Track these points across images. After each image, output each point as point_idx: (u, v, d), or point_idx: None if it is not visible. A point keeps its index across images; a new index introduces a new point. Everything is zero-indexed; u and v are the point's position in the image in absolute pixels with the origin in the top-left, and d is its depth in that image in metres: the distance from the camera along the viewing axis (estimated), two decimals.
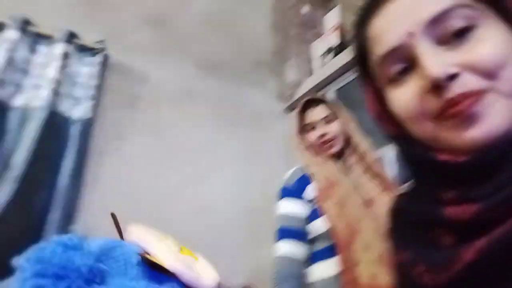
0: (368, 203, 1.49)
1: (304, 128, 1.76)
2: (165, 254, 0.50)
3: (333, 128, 1.67)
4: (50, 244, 0.49)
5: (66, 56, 2.25)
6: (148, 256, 0.50)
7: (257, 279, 2.32)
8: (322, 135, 1.67)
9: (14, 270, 0.52)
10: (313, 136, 1.70)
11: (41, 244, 0.49)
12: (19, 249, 1.70)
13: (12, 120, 2.04)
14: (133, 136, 2.37)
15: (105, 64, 2.41)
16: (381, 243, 1.30)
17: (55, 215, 1.98)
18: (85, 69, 2.34)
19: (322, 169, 1.66)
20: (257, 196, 2.58)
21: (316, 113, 1.71)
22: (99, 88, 2.33)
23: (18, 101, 2.09)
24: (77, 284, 0.44)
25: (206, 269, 0.56)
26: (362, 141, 1.70)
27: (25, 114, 2.07)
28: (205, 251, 2.20)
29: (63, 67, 2.23)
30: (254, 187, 2.62)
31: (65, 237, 0.48)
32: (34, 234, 1.93)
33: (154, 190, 2.32)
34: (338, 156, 1.70)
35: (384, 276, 1.23)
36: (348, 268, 1.34)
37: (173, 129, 2.55)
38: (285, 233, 1.54)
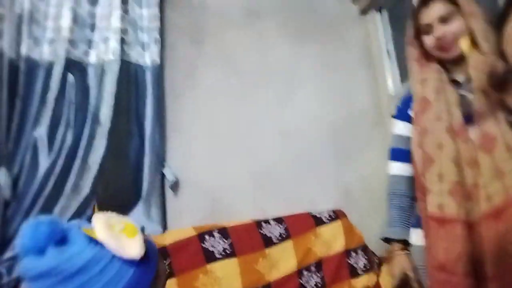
0: (456, 130, 1.29)
1: (418, 31, 1.46)
2: (100, 231, 0.66)
3: (453, 29, 1.35)
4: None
5: (124, 1, 2.21)
6: (86, 230, 0.68)
7: (345, 201, 2.26)
8: (439, 39, 1.37)
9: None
10: (428, 40, 1.41)
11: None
12: (123, 196, 1.81)
13: (91, 77, 2.13)
14: (205, 71, 2.32)
15: (163, 2, 2.32)
16: (455, 174, 1.22)
17: (148, 160, 2.11)
18: (146, 12, 2.29)
19: (422, 87, 1.42)
20: (341, 112, 2.40)
21: (432, 12, 1.38)
22: (163, 29, 2.28)
23: (92, 58, 2.16)
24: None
25: (132, 243, 0.68)
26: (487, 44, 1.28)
27: (101, 69, 2.14)
28: (292, 178, 2.18)
29: (125, 14, 2.21)
30: (337, 103, 2.44)
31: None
32: (133, 180, 2.10)
33: (235, 122, 2.30)
34: (455, 62, 1.40)
35: (452, 207, 1.20)
36: (421, 196, 1.35)
37: (244, 54, 2.43)
38: (396, 154, 1.55)
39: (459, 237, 1.18)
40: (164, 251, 1.88)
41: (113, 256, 0.67)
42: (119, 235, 0.68)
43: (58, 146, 1.97)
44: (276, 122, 2.37)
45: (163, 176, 2.13)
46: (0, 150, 1.91)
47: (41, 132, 1.98)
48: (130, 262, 0.68)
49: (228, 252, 1.91)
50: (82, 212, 1.94)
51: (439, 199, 1.25)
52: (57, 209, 1.91)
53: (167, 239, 1.93)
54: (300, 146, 2.33)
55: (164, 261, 0.76)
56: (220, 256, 1.90)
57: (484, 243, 1.15)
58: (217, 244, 1.93)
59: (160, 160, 2.13)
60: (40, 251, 0.65)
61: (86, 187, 1.97)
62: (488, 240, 1.14)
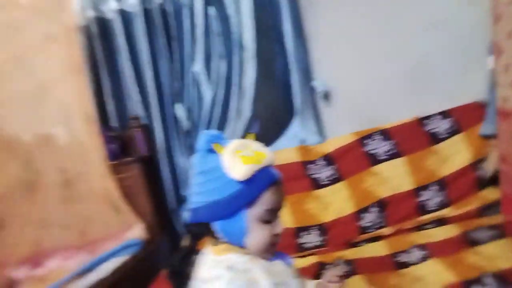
0: None
1: None
2: (225, 150, 0.77)
3: None
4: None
5: None
6: (215, 146, 0.79)
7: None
8: None
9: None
10: None
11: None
12: (279, 113, 1.92)
13: (229, 5, 2.19)
14: None
15: None
16: None
17: (295, 76, 2.15)
18: None
19: None
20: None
21: None
22: None
23: None
24: None
25: (241, 168, 0.75)
26: None
27: None
28: (448, 69, 1.95)
29: None
30: None
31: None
32: (285, 97, 2.18)
33: (376, 20, 2.12)
34: None
35: None
36: None
37: None
38: None
39: None
40: (328, 158, 1.96)
41: (226, 172, 0.76)
42: (236, 158, 0.75)
43: (215, 77, 2.15)
44: (422, 12, 2.11)
45: (313, 88, 2.15)
46: (173, 89, 2.19)
47: (198, 67, 2.17)
48: (236, 181, 0.75)
49: (392, 153, 1.89)
50: (248, 132, 2.13)
51: (503, 91, 1.16)
52: (227, 133, 2.14)
53: (329, 147, 2.00)
54: (454, 35, 2.05)
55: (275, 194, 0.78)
56: (385, 157, 1.90)
57: None
58: (379, 146, 1.92)
59: (307, 74, 2.15)
60: (198, 151, 0.83)
61: (246, 110, 2.14)
62: None
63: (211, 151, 0.79)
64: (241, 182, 0.75)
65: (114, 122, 2.21)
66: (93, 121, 1.92)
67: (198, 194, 0.80)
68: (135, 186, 1.90)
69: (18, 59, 1.89)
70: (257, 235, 0.77)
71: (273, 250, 0.81)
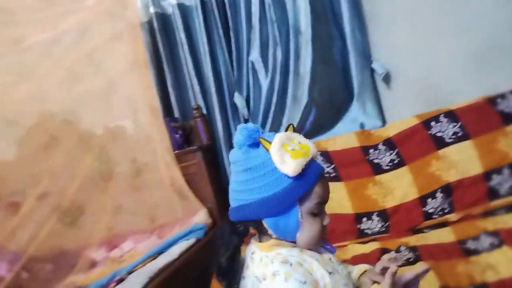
0: None
1: None
2: (273, 145, 0.76)
3: None
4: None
5: None
6: (262, 140, 0.78)
7: None
8: None
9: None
10: None
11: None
12: (337, 98, 1.90)
13: None
14: None
15: None
16: None
17: (353, 59, 2.10)
18: None
19: None
20: None
21: None
22: None
23: None
24: None
25: (291, 163, 0.74)
26: None
27: None
28: (505, 50, 1.79)
29: None
30: None
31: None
32: (343, 81, 2.14)
33: (437, 2, 2.00)
34: None
35: None
36: None
37: None
38: None
39: None
40: (389, 142, 1.91)
41: (276, 167, 0.75)
42: (285, 153, 0.75)
43: (272, 65, 2.17)
44: None
45: (372, 71, 2.09)
46: (231, 78, 2.24)
47: (255, 55, 2.20)
48: (286, 176, 0.75)
49: (460, 135, 1.79)
50: (306, 118, 2.14)
51: None
52: (284, 121, 2.16)
53: (390, 130, 1.94)
54: None
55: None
56: (452, 140, 1.80)
57: None
58: (445, 129, 1.82)
59: (365, 56, 2.09)
60: (238, 147, 0.81)
61: (303, 96, 2.13)
62: None
63: (252, 145, 0.79)
64: (292, 177, 0.75)
65: (177, 113, 2.32)
66: (158, 113, 2.03)
67: (245, 192, 0.79)
68: (198, 174, 1.99)
69: (88, 58, 2.04)
70: (309, 229, 0.78)
71: (322, 242, 0.81)
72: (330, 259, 0.82)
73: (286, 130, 0.85)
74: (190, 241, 1.65)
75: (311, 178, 0.77)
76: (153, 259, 1.48)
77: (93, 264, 1.71)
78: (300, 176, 0.76)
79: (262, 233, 0.82)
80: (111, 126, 2.08)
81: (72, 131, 1.99)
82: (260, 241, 0.83)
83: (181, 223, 1.81)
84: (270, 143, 0.76)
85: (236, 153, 0.81)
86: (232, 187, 0.83)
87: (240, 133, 0.80)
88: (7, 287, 1.29)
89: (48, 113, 1.99)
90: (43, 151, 1.90)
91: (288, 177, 0.76)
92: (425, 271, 0.83)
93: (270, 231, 0.80)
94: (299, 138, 0.82)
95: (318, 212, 0.79)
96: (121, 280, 1.30)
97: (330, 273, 0.76)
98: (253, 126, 0.81)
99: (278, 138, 0.77)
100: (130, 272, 1.36)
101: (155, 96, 2.07)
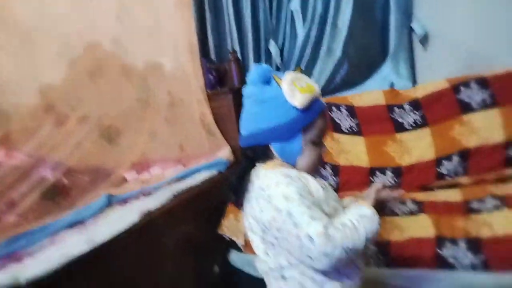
0: None
1: None
2: (284, 81, 0.87)
3: None
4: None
5: None
6: (275, 77, 0.89)
7: None
8: None
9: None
10: None
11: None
12: (371, 55, 1.94)
13: None
14: None
15: None
16: None
17: (394, 16, 2.08)
18: None
19: None
20: None
21: None
22: None
23: None
24: None
25: (300, 96, 0.85)
26: None
27: None
28: None
29: None
30: None
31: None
32: (381, 38, 2.14)
33: None
34: None
35: None
36: None
37: None
38: None
39: None
40: (416, 103, 1.93)
41: (286, 100, 0.86)
42: (294, 88, 0.85)
43: (310, 15, 2.19)
44: None
45: (411, 30, 2.07)
46: (268, 26, 2.29)
47: (295, 4, 2.22)
48: (294, 108, 0.86)
49: (488, 102, 1.79)
50: (337, 72, 2.18)
51: None
52: (315, 72, 2.21)
53: (419, 92, 1.95)
54: None
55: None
56: (478, 107, 1.80)
57: None
58: (474, 95, 1.82)
59: (407, 14, 2.06)
60: (252, 83, 0.92)
61: (337, 50, 2.16)
62: None
63: (266, 82, 0.90)
64: (299, 109, 0.86)
65: (213, 55, 2.42)
66: (196, 53, 2.14)
67: (256, 121, 0.90)
68: (227, 114, 2.11)
69: None
70: (309, 155, 0.89)
71: (319, 170, 0.94)
72: (324, 183, 0.93)
73: (294, 70, 0.94)
74: (213, 172, 1.80)
75: (315, 111, 0.89)
76: (177, 182, 1.64)
77: (124, 182, 1.91)
78: (306, 109, 0.87)
79: (267, 158, 0.92)
80: (152, 61, 2.22)
81: (116, 62, 2.15)
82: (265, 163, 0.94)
83: (207, 156, 1.96)
84: (281, 80, 0.88)
85: (250, 88, 0.92)
86: (245, 117, 0.94)
87: (255, 71, 0.91)
88: (50, 187, 1.49)
89: (95, 43, 2.15)
90: (88, 78, 2.08)
91: (296, 109, 0.86)
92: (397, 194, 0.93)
93: (276, 155, 0.90)
94: (306, 78, 0.91)
95: (318, 142, 0.90)
96: (149, 194, 1.47)
97: (323, 188, 0.87)
98: (266, 66, 0.93)
99: (289, 75, 0.88)
100: (156, 189, 1.53)
101: (194, 36, 2.16)
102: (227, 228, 1.63)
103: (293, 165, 0.91)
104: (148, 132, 1.91)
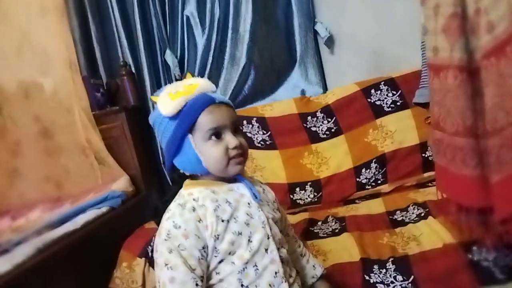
0: None
1: None
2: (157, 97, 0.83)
3: None
4: None
5: None
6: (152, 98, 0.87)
7: None
8: None
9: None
10: None
11: None
12: (278, 61, 1.75)
13: None
14: None
15: None
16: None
17: (297, 20, 1.96)
18: None
19: None
20: None
21: None
22: None
23: None
24: None
25: (168, 104, 0.79)
26: None
27: None
28: None
29: None
30: None
31: None
32: (286, 43, 1.99)
33: None
34: None
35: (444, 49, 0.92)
36: None
37: None
38: None
39: (452, 87, 0.91)
40: (328, 110, 1.80)
41: (164, 117, 0.81)
42: (164, 98, 0.80)
43: (209, 20, 1.98)
44: None
45: (316, 34, 1.95)
46: (163, 33, 2.02)
47: (190, 9, 2.00)
48: (172, 119, 0.80)
49: (399, 104, 1.71)
50: (244, 81, 1.99)
51: (433, 40, 0.97)
52: (221, 82, 1.99)
53: (330, 97, 1.83)
54: None
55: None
56: (390, 109, 1.72)
57: (483, 91, 0.86)
58: (384, 97, 1.74)
59: (309, 17, 1.94)
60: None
61: (242, 57, 1.98)
62: (487, 85, 0.84)
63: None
64: (177, 116, 0.79)
65: (102, 70, 2.09)
66: (76, 69, 1.80)
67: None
68: (121, 137, 1.80)
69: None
70: (209, 153, 0.79)
71: (235, 166, 0.81)
72: (248, 203, 0.82)
73: (184, 77, 0.88)
74: (102, 209, 1.48)
75: (194, 110, 0.79)
76: (52, 229, 1.30)
77: None
78: (183, 113, 0.79)
79: (187, 177, 0.86)
80: (25, 81, 1.84)
81: None
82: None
83: (98, 191, 1.64)
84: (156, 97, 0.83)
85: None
86: None
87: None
88: None
89: None
90: None
91: (174, 119, 0.79)
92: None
93: (182, 171, 0.85)
94: (189, 81, 0.85)
95: (216, 137, 0.80)
96: (4, 251, 1.12)
97: (224, 220, 0.76)
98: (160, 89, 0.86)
99: (164, 88, 0.83)
100: (18, 243, 1.18)
101: (73, 50, 1.83)
102: (121, 280, 1.32)
103: (206, 173, 0.82)
104: (5, 170, 1.52)
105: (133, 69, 2.01)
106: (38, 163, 1.58)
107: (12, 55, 1.81)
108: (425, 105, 1.36)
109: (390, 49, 1.90)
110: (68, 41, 1.79)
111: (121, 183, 1.68)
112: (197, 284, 0.72)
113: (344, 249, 1.22)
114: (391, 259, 1.12)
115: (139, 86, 1.99)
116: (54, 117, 1.68)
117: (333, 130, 1.78)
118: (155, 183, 1.93)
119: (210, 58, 1.97)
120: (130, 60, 2.02)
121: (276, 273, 0.78)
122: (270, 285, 0.77)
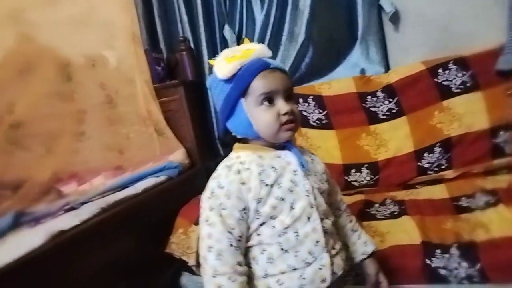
0: None
1: None
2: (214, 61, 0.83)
3: None
4: None
5: None
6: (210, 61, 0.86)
7: None
8: None
9: None
10: None
11: None
12: (339, 39, 1.67)
13: None
14: None
15: None
16: None
17: None
18: None
19: None
20: None
21: None
22: None
23: None
24: None
25: (223, 67, 0.80)
26: None
27: None
28: None
29: None
30: None
31: None
32: (347, 20, 1.92)
33: None
34: None
35: None
36: None
37: None
38: None
39: None
40: (389, 89, 1.72)
41: (220, 80, 0.82)
42: (221, 61, 0.81)
43: None
44: None
45: (380, 9, 1.86)
46: (222, 9, 2.02)
47: None
48: (227, 83, 0.81)
49: (469, 85, 1.60)
50: (301, 59, 1.94)
51: None
52: (278, 59, 1.96)
53: (392, 76, 1.74)
54: None
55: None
56: (459, 90, 1.61)
57: None
58: (453, 77, 1.63)
59: None
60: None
61: (300, 34, 1.93)
62: None
63: None
64: (232, 79, 0.80)
65: (163, 45, 2.13)
66: (139, 42, 1.85)
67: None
68: (179, 111, 1.84)
69: None
70: (260, 118, 0.79)
71: (285, 132, 0.81)
72: (295, 171, 0.81)
73: (242, 42, 0.88)
74: (161, 178, 1.52)
75: (248, 74, 0.79)
76: (114, 192, 1.36)
77: (61, 196, 1.61)
78: (238, 77, 0.80)
79: (237, 140, 0.87)
80: (91, 54, 1.92)
81: (49, 57, 1.84)
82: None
83: (156, 161, 1.69)
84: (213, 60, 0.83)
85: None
86: None
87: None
88: None
89: (25, 37, 1.83)
90: (18, 76, 1.75)
91: (229, 82, 0.80)
92: None
93: (234, 134, 0.86)
94: (246, 46, 0.85)
95: (268, 103, 0.80)
96: (71, 209, 1.18)
97: (268, 185, 0.77)
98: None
99: (222, 53, 0.83)
100: (84, 202, 1.24)
101: (137, 25, 1.88)
102: (176, 245, 1.36)
103: (257, 137, 0.83)
104: (72, 135, 1.59)
105: (192, 45, 2.04)
106: (101, 131, 1.65)
107: (81, 27, 1.89)
108: (509, 74, 1.23)
109: (460, 25, 1.76)
110: (132, 15, 1.84)
111: (178, 155, 1.72)
112: (231, 245, 0.74)
113: (404, 231, 1.16)
114: (455, 245, 1.06)
115: (198, 61, 2.01)
116: (118, 87, 1.74)
117: (394, 111, 1.70)
118: (210, 158, 1.95)
119: (268, 34, 1.95)
120: (189, 35, 2.05)
121: (317, 242, 0.78)
122: (310, 252, 0.77)
